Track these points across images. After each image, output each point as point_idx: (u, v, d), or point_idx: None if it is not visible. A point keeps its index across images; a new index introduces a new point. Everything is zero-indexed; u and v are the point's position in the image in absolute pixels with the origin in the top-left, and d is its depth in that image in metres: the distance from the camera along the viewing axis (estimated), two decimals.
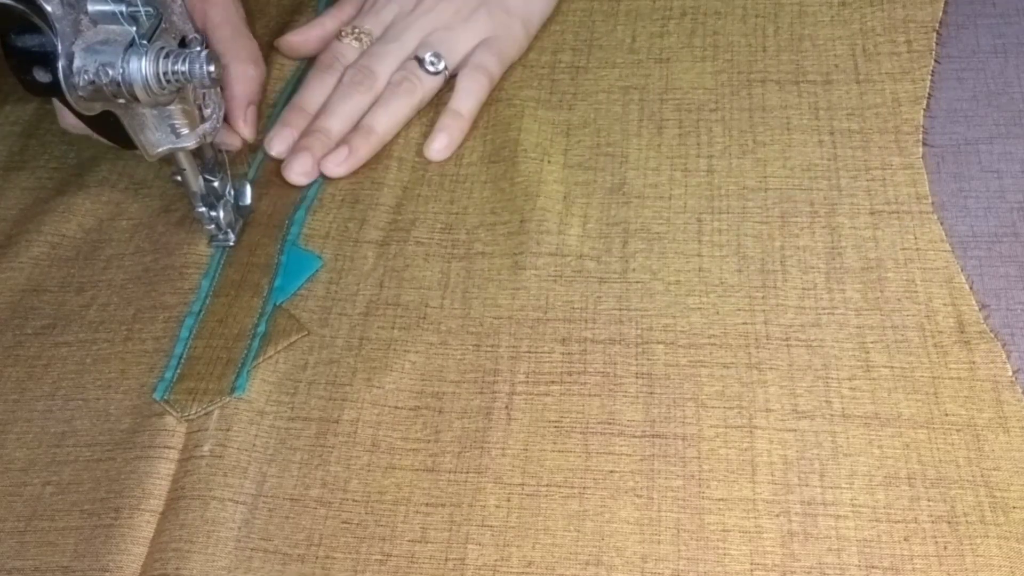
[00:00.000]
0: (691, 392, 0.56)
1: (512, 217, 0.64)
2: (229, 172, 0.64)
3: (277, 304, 0.62)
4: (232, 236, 0.66)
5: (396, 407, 0.57)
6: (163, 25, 0.54)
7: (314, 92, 0.71)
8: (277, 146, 0.69)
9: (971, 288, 0.57)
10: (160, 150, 0.58)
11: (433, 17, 0.71)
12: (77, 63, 0.51)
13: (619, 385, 0.56)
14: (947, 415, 0.53)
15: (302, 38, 0.75)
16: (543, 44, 0.74)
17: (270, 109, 0.73)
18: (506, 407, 0.56)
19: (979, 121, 0.65)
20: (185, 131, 0.58)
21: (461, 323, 0.60)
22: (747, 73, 0.70)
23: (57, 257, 0.68)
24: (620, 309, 0.59)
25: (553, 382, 0.57)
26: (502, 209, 0.65)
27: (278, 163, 0.70)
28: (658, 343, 0.58)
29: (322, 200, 0.68)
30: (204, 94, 0.59)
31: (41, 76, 0.51)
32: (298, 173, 0.67)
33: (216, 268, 0.64)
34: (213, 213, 0.63)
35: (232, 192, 0.65)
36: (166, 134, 0.58)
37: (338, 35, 0.73)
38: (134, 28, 0.52)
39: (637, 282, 0.60)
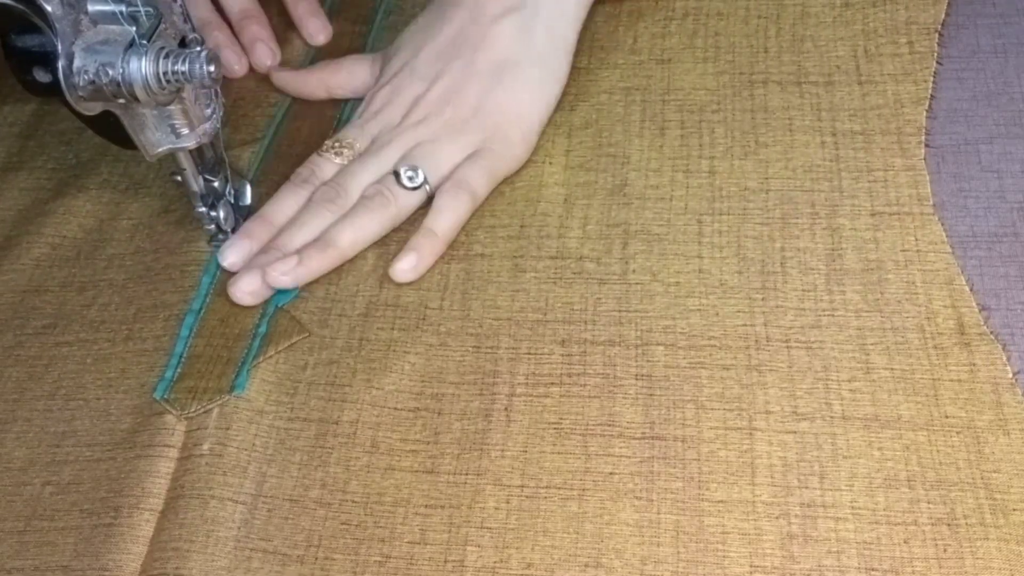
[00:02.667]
0: (691, 394, 0.55)
1: (512, 221, 0.64)
2: (229, 172, 0.64)
3: (278, 306, 0.62)
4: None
5: (396, 408, 0.57)
6: (163, 25, 0.54)
7: (283, 205, 0.65)
8: (230, 257, 0.63)
9: (971, 290, 0.57)
10: (160, 150, 0.58)
11: (420, 130, 0.66)
12: (77, 63, 0.51)
13: (619, 387, 0.56)
14: (947, 417, 0.53)
15: (292, 86, 0.75)
16: None
17: (255, 146, 0.73)
18: (506, 409, 0.56)
19: (979, 121, 0.65)
20: (185, 131, 0.58)
21: (461, 324, 0.60)
22: (749, 74, 0.70)
23: (58, 258, 0.68)
24: (620, 311, 0.59)
25: (553, 384, 0.57)
26: (501, 212, 0.65)
27: (278, 163, 0.70)
28: (658, 345, 0.58)
29: None
30: (204, 94, 0.59)
31: (41, 76, 0.51)
32: (244, 292, 0.61)
33: (217, 266, 0.64)
34: (213, 213, 0.63)
35: (232, 192, 0.65)
36: (166, 134, 0.57)
37: (319, 149, 0.68)
38: (134, 28, 0.52)
39: (637, 284, 0.60)
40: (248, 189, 0.67)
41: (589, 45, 0.74)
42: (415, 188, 0.64)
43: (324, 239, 0.62)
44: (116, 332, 0.63)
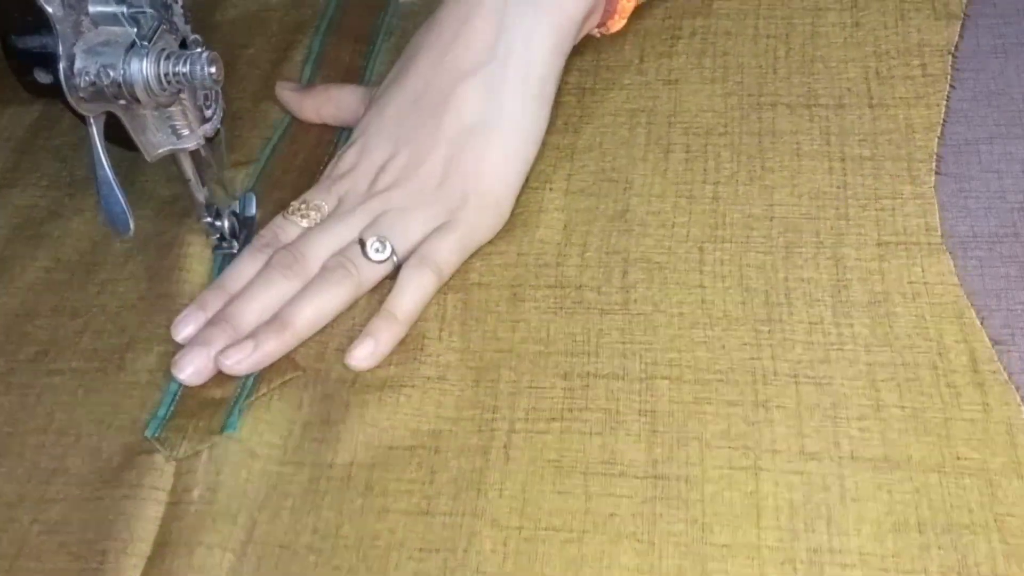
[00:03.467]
0: (695, 431, 0.54)
1: (508, 248, 0.63)
2: (227, 188, 0.64)
3: None
4: (236, 245, 0.64)
5: (391, 447, 0.56)
6: (164, 26, 0.53)
7: (242, 272, 0.61)
8: (183, 330, 0.60)
9: (982, 324, 0.55)
10: (161, 151, 0.57)
11: (387, 196, 0.62)
12: (78, 64, 0.50)
13: (621, 423, 0.55)
14: (959, 459, 0.51)
15: (295, 105, 0.73)
16: None
17: (249, 167, 0.72)
18: (504, 446, 0.55)
19: (979, 121, 0.64)
20: (186, 132, 0.57)
21: (460, 357, 0.59)
22: (757, 96, 0.68)
23: (51, 281, 0.66)
24: (624, 342, 0.58)
25: (553, 419, 0.55)
26: (498, 239, 0.64)
27: (271, 188, 0.69)
28: (663, 379, 0.56)
29: None
30: (205, 95, 0.58)
31: (42, 77, 0.51)
32: (188, 373, 0.58)
33: None
34: (218, 223, 0.63)
35: (237, 202, 0.65)
36: (167, 135, 0.57)
37: (284, 211, 0.63)
38: (135, 29, 0.52)
39: (639, 314, 0.59)
40: (254, 200, 0.66)
41: (595, 65, 0.73)
42: (381, 261, 0.61)
43: (281, 319, 0.59)
44: (109, 362, 0.61)
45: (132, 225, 0.55)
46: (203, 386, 0.59)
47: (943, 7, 0.70)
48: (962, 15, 0.70)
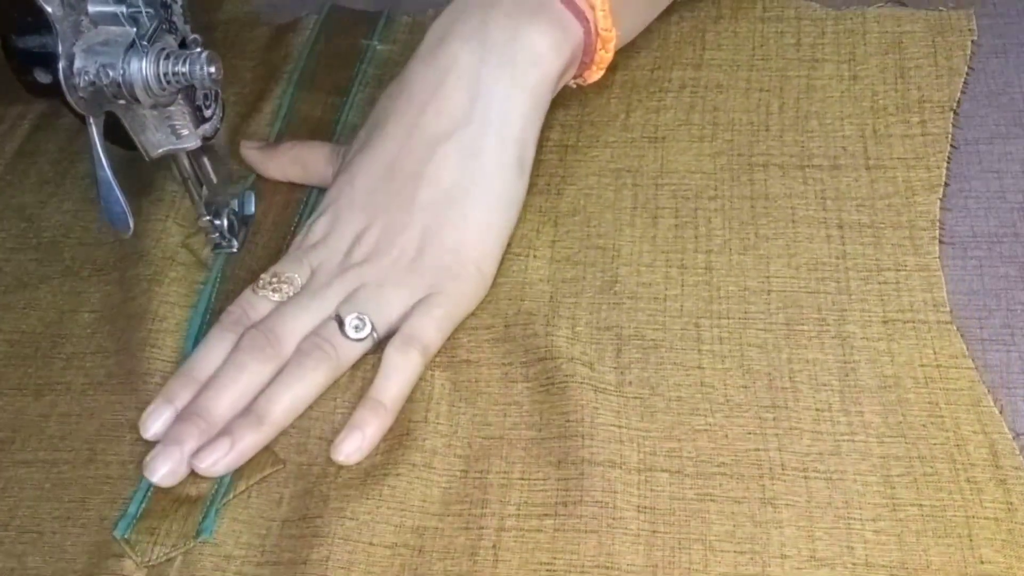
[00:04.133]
0: (698, 531, 0.50)
1: (495, 321, 0.59)
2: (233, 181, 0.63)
3: None
4: (236, 244, 0.64)
5: (371, 544, 0.52)
6: (163, 26, 0.53)
7: (209, 355, 0.57)
8: (152, 427, 0.56)
9: (1001, 412, 0.52)
10: (160, 151, 0.57)
11: (361, 271, 0.59)
12: (77, 64, 0.50)
13: (618, 520, 0.51)
14: (982, 563, 0.48)
15: (262, 165, 0.70)
16: None
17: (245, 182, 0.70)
18: (494, 546, 0.51)
19: (979, 121, 0.64)
20: (186, 132, 0.57)
21: (447, 442, 0.55)
22: (748, 156, 0.65)
23: (15, 355, 0.63)
24: (619, 426, 0.54)
25: (546, 515, 0.52)
26: (483, 312, 0.60)
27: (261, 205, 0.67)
28: (662, 471, 0.53)
29: None
30: (205, 95, 0.57)
31: (42, 77, 0.51)
32: (161, 475, 0.54)
33: None
34: (217, 222, 0.63)
35: (236, 201, 0.64)
36: (167, 135, 0.57)
37: (253, 284, 0.60)
38: (134, 29, 0.52)
39: (635, 397, 0.55)
40: (252, 198, 0.65)
41: (579, 120, 0.69)
42: (360, 340, 0.58)
43: (257, 412, 0.55)
44: (78, 452, 0.57)
45: (132, 225, 0.54)
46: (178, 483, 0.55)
47: (945, 61, 0.67)
48: (965, 70, 0.67)
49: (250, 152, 0.70)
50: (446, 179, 0.60)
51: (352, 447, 0.55)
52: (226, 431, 0.55)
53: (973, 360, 0.54)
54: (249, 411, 0.55)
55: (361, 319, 0.58)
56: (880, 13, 0.71)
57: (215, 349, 0.58)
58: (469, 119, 0.60)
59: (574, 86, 0.69)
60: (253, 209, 0.65)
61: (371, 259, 0.60)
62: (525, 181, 0.62)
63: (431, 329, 0.58)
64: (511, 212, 0.62)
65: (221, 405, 0.55)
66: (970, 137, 0.64)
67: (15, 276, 0.67)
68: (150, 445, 0.56)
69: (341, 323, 0.58)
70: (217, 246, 0.64)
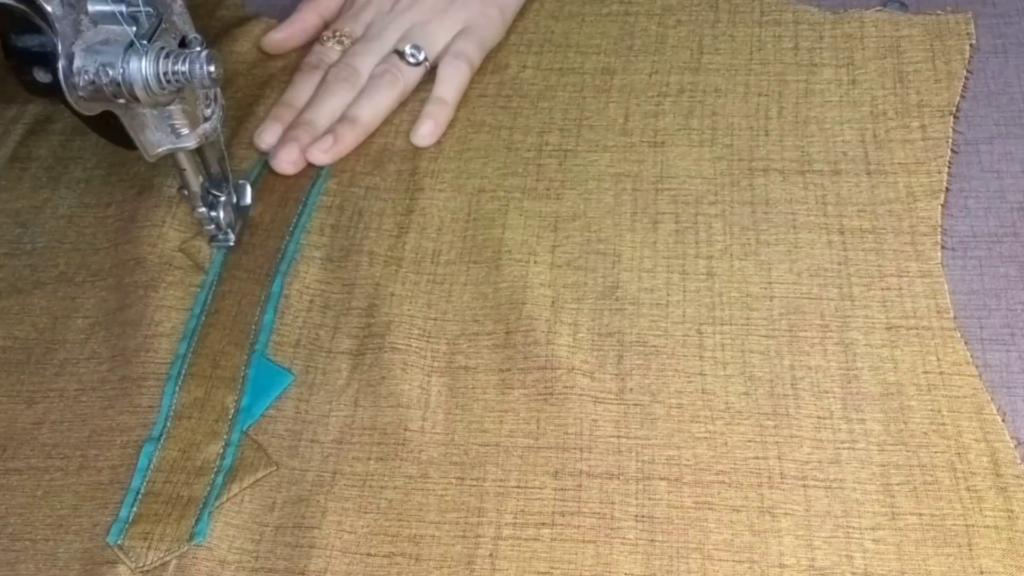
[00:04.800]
0: (696, 540, 0.50)
1: (496, 328, 0.59)
2: (231, 174, 0.63)
3: (243, 431, 0.56)
4: (232, 236, 0.65)
5: (369, 554, 0.52)
6: (163, 25, 0.53)
7: (301, 90, 0.72)
8: (266, 139, 0.70)
9: (1002, 416, 0.52)
10: (160, 150, 0.57)
11: (411, 14, 0.73)
12: (77, 63, 0.50)
13: (616, 529, 0.51)
14: (982, 573, 0.48)
15: (286, 34, 0.77)
16: (529, 123, 0.69)
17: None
18: (491, 555, 0.51)
19: (979, 121, 0.64)
20: (185, 131, 0.57)
21: (444, 451, 0.55)
22: (748, 160, 0.65)
23: (7, 362, 0.62)
24: (618, 436, 0.54)
25: (543, 524, 0.52)
26: (484, 318, 0.60)
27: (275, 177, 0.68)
28: (661, 479, 0.52)
29: (289, 299, 0.62)
30: (205, 94, 0.58)
31: (41, 76, 0.51)
32: (286, 162, 0.68)
33: (177, 378, 0.58)
34: (213, 213, 0.63)
35: (232, 192, 0.64)
36: (166, 134, 0.57)
37: (320, 39, 0.74)
38: (134, 28, 0.52)
39: (636, 405, 0.55)
40: (248, 189, 0.66)
41: (578, 124, 0.69)
42: (417, 64, 0.72)
43: (350, 117, 0.70)
44: (69, 460, 0.57)
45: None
46: (170, 482, 0.55)
47: (944, 65, 0.67)
48: (964, 74, 0.66)
49: (273, 36, 0.78)
50: None
51: (428, 129, 0.70)
52: (329, 131, 0.70)
53: (976, 366, 0.54)
54: (343, 118, 0.70)
55: (416, 48, 0.72)
56: (878, 17, 0.71)
57: (304, 85, 0.73)
58: None
59: None
60: (249, 200, 0.66)
61: (416, 5, 0.74)
62: None
63: (474, 49, 0.73)
64: None
65: (322, 117, 0.70)
66: (970, 137, 0.64)
67: (9, 282, 0.66)
68: (138, 449, 0.56)
69: (401, 54, 0.72)
70: (214, 238, 0.65)
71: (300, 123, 0.70)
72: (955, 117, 0.65)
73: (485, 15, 0.74)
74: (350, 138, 0.70)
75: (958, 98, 0.65)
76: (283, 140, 0.69)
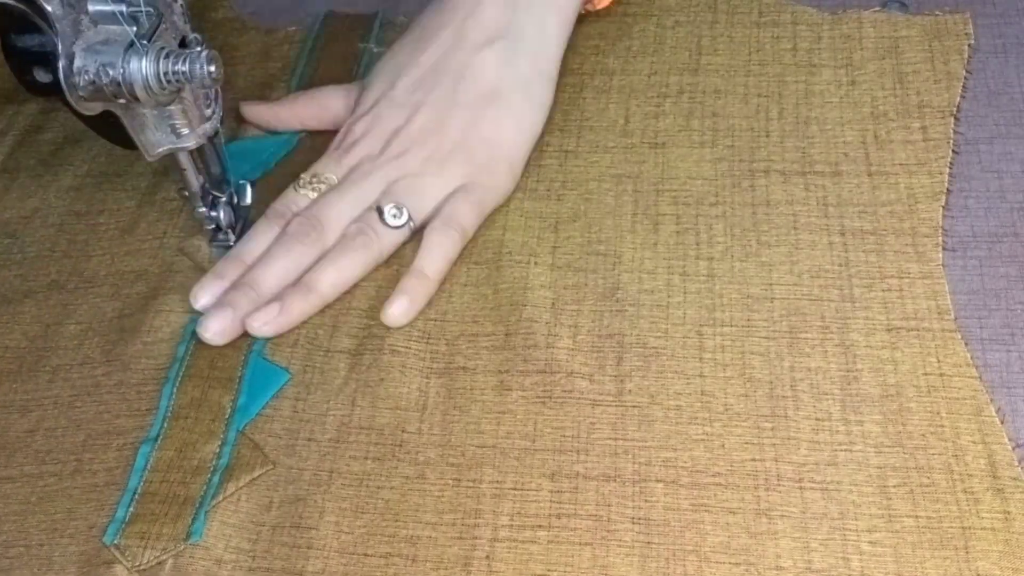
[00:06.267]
0: (693, 543, 0.50)
1: (496, 329, 0.59)
2: (231, 176, 0.63)
3: (240, 430, 0.56)
4: (232, 236, 0.64)
5: (365, 555, 0.52)
6: (163, 25, 0.53)
7: (256, 242, 0.62)
8: (202, 299, 0.60)
9: (1002, 422, 0.52)
10: (160, 150, 0.57)
11: (402, 162, 0.64)
12: (77, 63, 0.51)
13: (612, 532, 0.51)
14: (979, 575, 0.47)
15: (263, 111, 0.72)
16: None
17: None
18: (487, 557, 0.51)
19: (979, 121, 0.64)
20: (186, 131, 0.57)
21: (441, 452, 0.55)
22: (749, 161, 0.65)
23: None
24: (615, 439, 0.54)
25: (540, 526, 0.52)
26: (484, 319, 0.60)
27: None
28: (657, 481, 0.52)
29: None
30: (205, 94, 0.58)
31: (41, 76, 0.51)
32: (214, 332, 0.59)
33: (175, 380, 0.59)
34: (213, 213, 0.63)
35: (232, 192, 0.64)
36: (166, 134, 0.57)
37: (295, 183, 0.64)
38: (134, 28, 0.52)
39: (634, 407, 0.55)
40: (248, 189, 0.64)
41: (578, 125, 0.69)
42: (399, 227, 0.62)
43: (305, 284, 0.60)
44: (64, 464, 0.57)
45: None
46: (166, 482, 0.55)
47: (943, 65, 0.67)
48: (963, 74, 0.66)
49: (255, 108, 0.72)
50: (486, 81, 0.65)
51: (399, 310, 0.59)
52: (277, 298, 0.60)
53: (976, 366, 0.54)
54: (298, 282, 0.60)
55: (399, 208, 0.62)
56: (876, 17, 0.70)
57: (262, 237, 0.62)
58: (507, 32, 0.66)
59: (583, 11, 0.73)
60: (249, 200, 0.65)
61: (409, 152, 0.64)
62: (552, 93, 0.68)
63: (468, 214, 0.63)
64: (540, 115, 0.67)
65: (269, 280, 0.60)
66: (970, 137, 0.64)
67: None
68: (135, 451, 0.56)
69: (380, 212, 0.62)
70: (214, 238, 0.64)
71: (242, 284, 0.60)
72: (956, 118, 0.64)
73: (489, 170, 0.64)
74: (299, 309, 0.60)
75: (958, 99, 0.65)
76: (218, 303, 0.60)
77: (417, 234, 0.63)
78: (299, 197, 0.64)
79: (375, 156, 0.64)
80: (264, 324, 0.59)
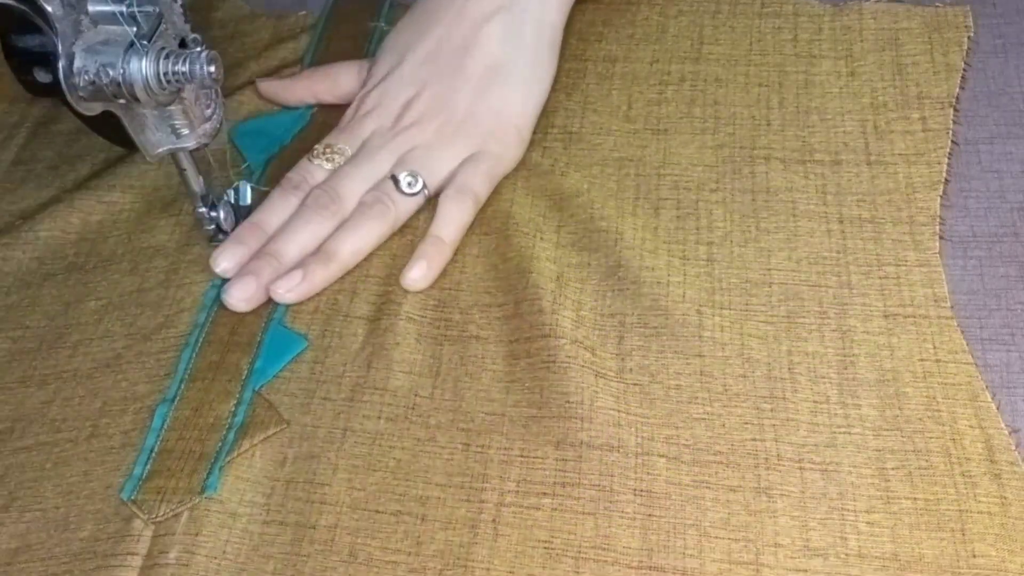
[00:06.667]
0: (693, 517, 0.51)
1: (507, 299, 0.60)
2: (230, 175, 0.65)
3: (256, 390, 0.57)
4: None
5: (377, 511, 0.53)
6: (163, 26, 0.54)
7: (274, 212, 0.64)
8: (223, 263, 0.62)
9: (998, 408, 0.53)
10: (160, 150, 0.58)
11: (413, 133, 0.66)
12: (77, 63, 0.51)
13: (615, 503, 0.52)
14: (975, 556, 0.49)
15: (280, 89, 0.73)
16: None
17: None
18: (493, 520, 0.52)
19: (979, 121, 0.65)
20: (186, 131, 0.58)
21: (451, 417, 0.56)
22: (750, 149, 0.66)
23: (18, 351, 0.62)
24: (618, 411, 0.55)
25: (545, 494, 0.52)
26: (496, 289, 0.61)
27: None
28: (659, 456, 0.53)
29: None
30: (205, 94, 0.58)
31: (42, 76, 0.52)
32: (238, 299, 0.60)
33: (195, 345, 0.60)
34: (213, 213, 0.63)
35: (232, 192, 0.64)
36: (166, 134, 0.57)
37: (309, 154, 0.66)
38: (134, 29, 0.52)
39: (635, 384, 0.56)
40: (248, 189, 0.65)
41: (582, 108, 0.70)
42: (414, 195, 0.64)
43: (326, 251, 0.62)
44: (79, 430, 0.57)
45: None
46: (183, 439, 0.56)
47: (942, 57, 0.68)
48: (962, 66, 0.67)
49: (269, 84, 0.73)
50: (491, 53, 0.67)
51: (418, 274, 0.61)
52: (299, 265, 0.61)
53: (976, 365, 0.55)
54: (318, 251, 0.62)
55: (414, 176, 0.64)
56: (876, 9, 0.71)
57: (278, 208, 0.64)
58: (511, 5, 0.67)
59: None
60: (249, 200, 0.65)
61: (420, 123, 0.66)
62: (555, 63, 0.70)
63: (481, 182, 0.65)
64: (545, 85, 0.69)
65: (292, 250, 0.62)
66: (970, 137, 0.64)
67: (16, 276, 0.66)
68: (152, 413, 0.57)
69: (396, 181, 0.64)
70: (213, 238, 0.64)
71: (265, 253, 0.61)
72: (955, 110, 0.65)
73: (498, 139, 0.66)
74: (321, 276, 0.61)
75: (957, 90, 0.66)
76: (242, 272, 0.61)
77: (431, 202, 0.65)
78: (313, 167, 0.65)
79: (386, 129, 0.66)
80: (287, 291, 0.60)
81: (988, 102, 0.66)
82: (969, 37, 0.68)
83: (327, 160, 0.65)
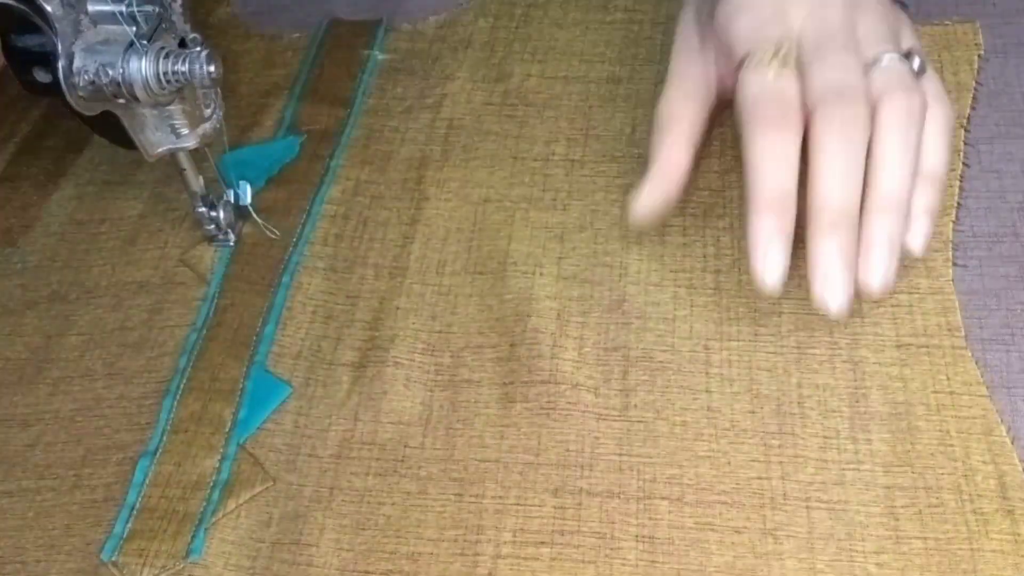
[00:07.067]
0: (697, 562, 0.49)
1: (502, 340, 0.58)
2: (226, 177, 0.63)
3: (240, 443, 0.56)
4: (232, 236, 0.64)
5: (366, 572, 0.51)
6: (163, 25, 0.54)
7: (779, 169, 0.49)
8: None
9: (1012, 443, 0.51)
10: (160, 150, 0.57)
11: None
12: (77, 63, 0.51)
13: (616, 550, 0.50)
14: None
15: (660, 192, 0.56)
16: (536, 133, 0.69)
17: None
18: (489, 573, 0.50)
19: (979, 121, 0.63)
20: (185, 131, 0.57)
21: (443, 467, 0.54)
22: None
23: None
24: (620, 455, 0.53)
25: (543, 543, 0.51)
26: (490, 330, 0.59)
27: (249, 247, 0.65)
28: (662, 499, 0.52)
29: (292, 310, 0.61)
30: (204, 94, 0.58)
31: (41, 76, 0.51)
32: (839, 304, 0.50)
33: (176, 392, 0.58)
34: (213, 213, 0.63)
35: (232, 192, 0.64)
36: (166, 134, 0.57)
37: (752, 62, 0.51)
38: (134, 28, 0.52)
39: (639, 421, 0.54)
40: (248, 189, 0.64)
41: (584, 135, 0.68)
42: (922, 71, 0.53)
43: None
44: (62, 480, 0.56)
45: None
46: (165, 497, 0.54)
47: (953, 76, 0.66)
48: (973, 85, 0.65)
49: (650, 197, 0.57)
50: None
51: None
52: (869, 238, 0.49)
53: (976, 365, 0.54)
54: (876, 199, 0.49)
55: (910, 50, 0.53)
56: None
57: (776, 152, 0.49)
58: None
59: None
60: (249, 200, 0.64)
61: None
62: None
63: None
64: None
65: (851, 191, 0.48)
66: (970, 137, 0.63)
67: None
68: (134, 465, 0.56)
69: (907, 56, 0.52)
70: (214, 239, 0.64)
71: (826, 222, 0.48)
72: (965, 130, 0.64)
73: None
74: (899, 237, 0.49)
75: (968, 109, 0.64)
76: (820, 262, 0.49)
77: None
78: (779, 78, 0.50)
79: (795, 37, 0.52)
80: (884, 276, 0.49)
81: (988, 102, 0.65)
82: (979, 55, 0.66)
83: (781, 63, 0.50)
